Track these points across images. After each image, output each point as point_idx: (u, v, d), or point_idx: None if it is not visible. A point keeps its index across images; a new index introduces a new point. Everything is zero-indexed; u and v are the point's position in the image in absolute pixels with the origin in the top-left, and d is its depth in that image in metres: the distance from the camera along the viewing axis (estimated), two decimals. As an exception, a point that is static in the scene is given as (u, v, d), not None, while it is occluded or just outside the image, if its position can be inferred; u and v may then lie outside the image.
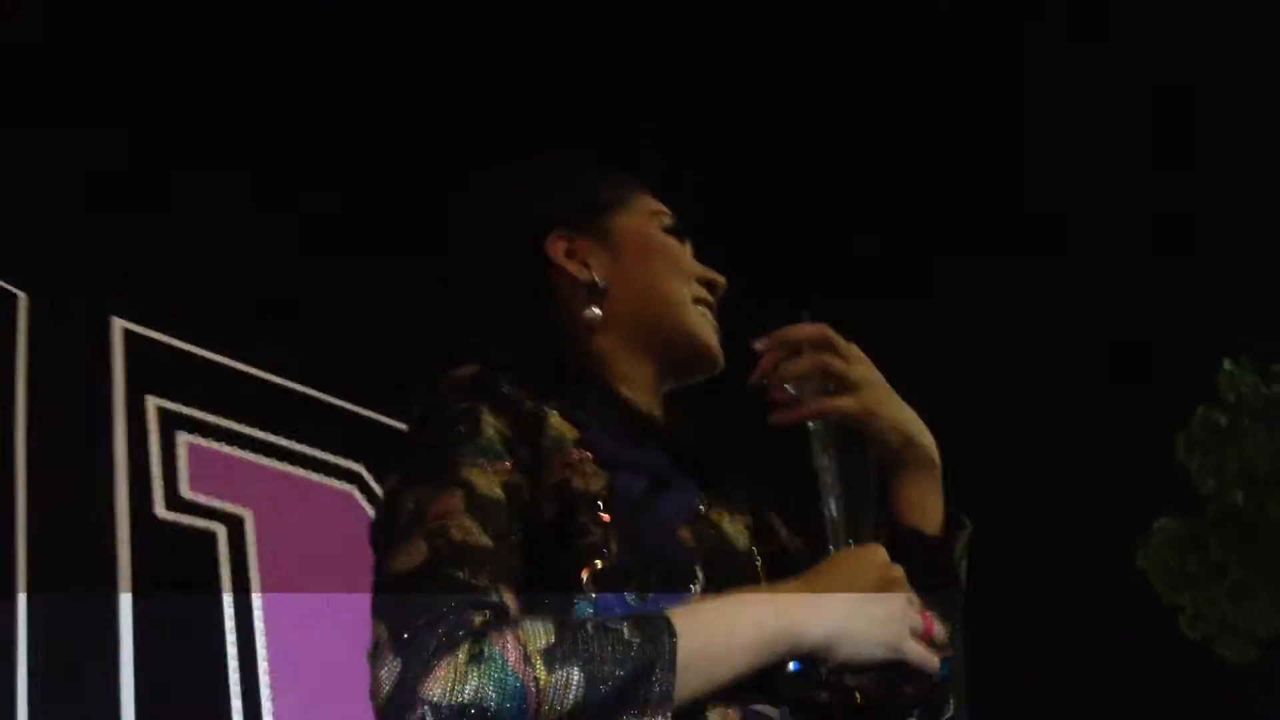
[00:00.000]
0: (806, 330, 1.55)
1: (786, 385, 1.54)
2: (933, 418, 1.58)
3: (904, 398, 1.58)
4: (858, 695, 1.32)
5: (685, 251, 1.73)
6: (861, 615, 1.32)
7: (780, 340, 1.56)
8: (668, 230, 1.72)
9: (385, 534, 1.34)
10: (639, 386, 1.63)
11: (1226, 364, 11.98)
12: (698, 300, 1.69)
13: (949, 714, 1.49)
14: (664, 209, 1.75)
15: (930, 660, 1.35)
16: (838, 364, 1.52)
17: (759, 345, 1.56)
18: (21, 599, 5.07)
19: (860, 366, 1.54)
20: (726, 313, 1.74)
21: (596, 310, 1.63)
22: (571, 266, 1.66)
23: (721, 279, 1.73)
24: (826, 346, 1.54)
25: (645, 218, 1.72)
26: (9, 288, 5.85)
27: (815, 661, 1.31)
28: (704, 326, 1.68)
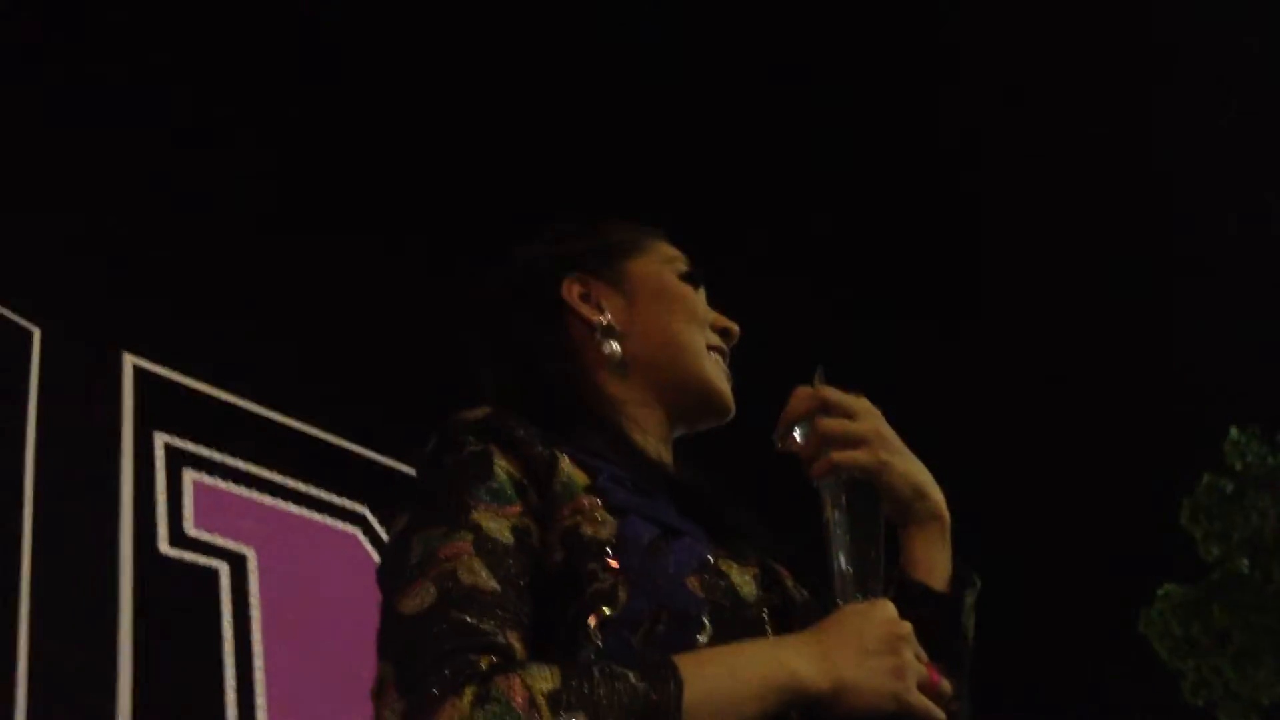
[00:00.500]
0: (802, 404, 1.56)
1: (797, 438, 1.55)
2: (939, 478, 1.59)
3: (913, 453, 1.58)
4: None
5: (700, 298, 1.74)
6: (867, 668, 1.32)
7: (798, 421, 1.56)
8: (683, 277, 1.73)
9: (393, 574, 1.34)
10: (650, 432, 1.64)
11: (1233, 432, 11.99)
12: (711, 347, 1.70)
13: None
14: (680, 255, 1.77)
15: (935, 712, 1.34)
16: (836, 425, 1.53)
17: (781, 446, 1.57)
18: (24, 629, 5.07)
19: (869, 420, 1.54)
20: (738, 362, 1.75)
21: (616, 347, 1.65)
22: (586, 310, 1.68)
23: (736, 327, 1.75)
24: (829, 410, 1.55)
25: (661, 264, 1.74)
26: (23, 323, 5.87)
27: (820, 713, 1.31)
28: (717, 373, 1.69)
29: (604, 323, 1.66)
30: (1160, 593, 12.05)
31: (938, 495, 1.58)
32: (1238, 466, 11.95)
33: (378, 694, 1.24)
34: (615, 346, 1.65)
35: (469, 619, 1.25)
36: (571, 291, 1.69)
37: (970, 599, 1.57)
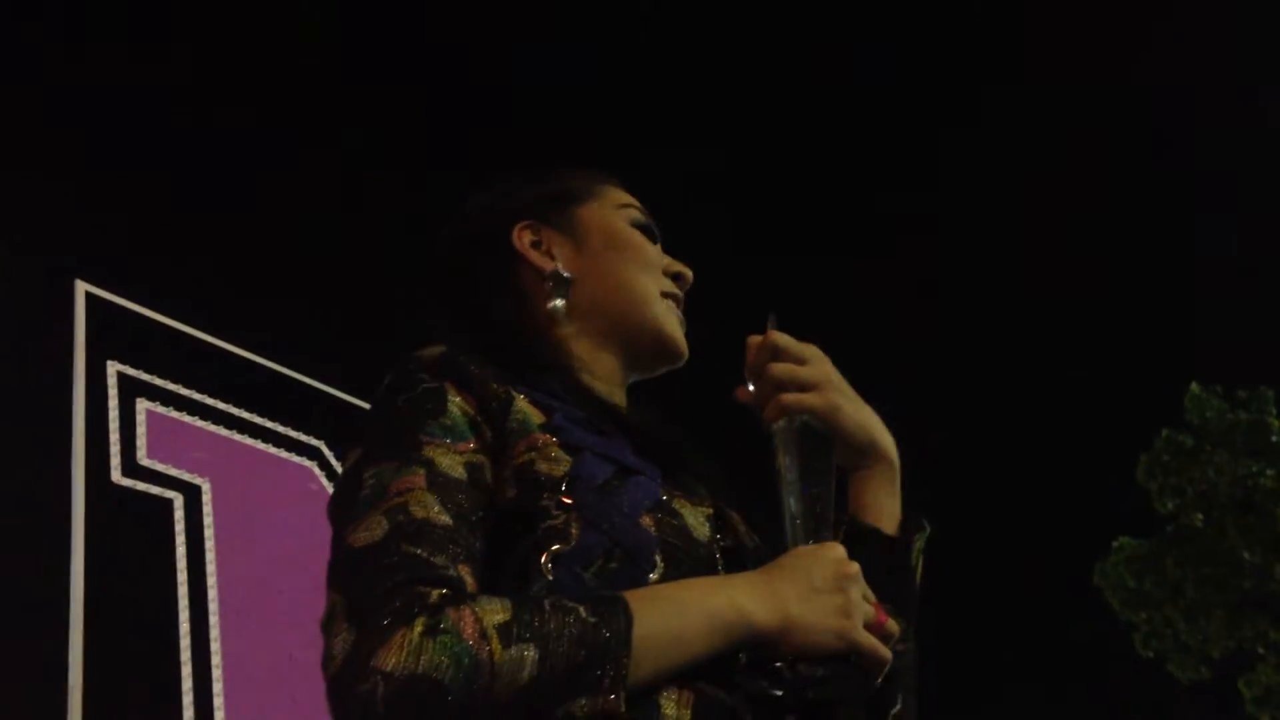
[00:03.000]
0: (756, 353, 1.56)
1: (751, 387, 1.56)
2: (895, 428, 1.59)
3: (863, 399, 1.58)
4: (808, 685, 1.32)
5: (653, 247, 1.74)
6: (813, 605, 1.33)
7: (750, 369, 1.57)
8: (636, 223, 1.74)
9: (345, 508, 1.34)
10: (602, 377, 1.65)
11: (1194, 387, 12.10)
12: (664, 294, 1.71)
13: (897, 708, 1.49)
14: (633, 201, 1.77)
15: (881, 650, 1.35)
16: (786, 370, 1.54)
17: (742, 396, 1.58)
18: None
19: (819, 365, 1.55)
20: (692, 308, 1.74)
21: (560, 302, 1.65)
22: (535, 257, 1.69)
23: (688, 271, 1.76)
24: (779, 355, 1.55)
25: (612, 210, 1.74)
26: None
27: (768, 650, 1.32)
28: (669, 319, 1.70)
29: (552, 270, 1.67)
30: (1115, 545, 12.19)
31: (888, 440, 1.60)
32: (1196, 422, 12.06)
33: (327, 625, 1.25)
34: (559, 303, 1.65)
35: (420, 552, 1.26)
36: (522, 239, 1.70)
37: (919, 543, 1.59)
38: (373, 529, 1.28)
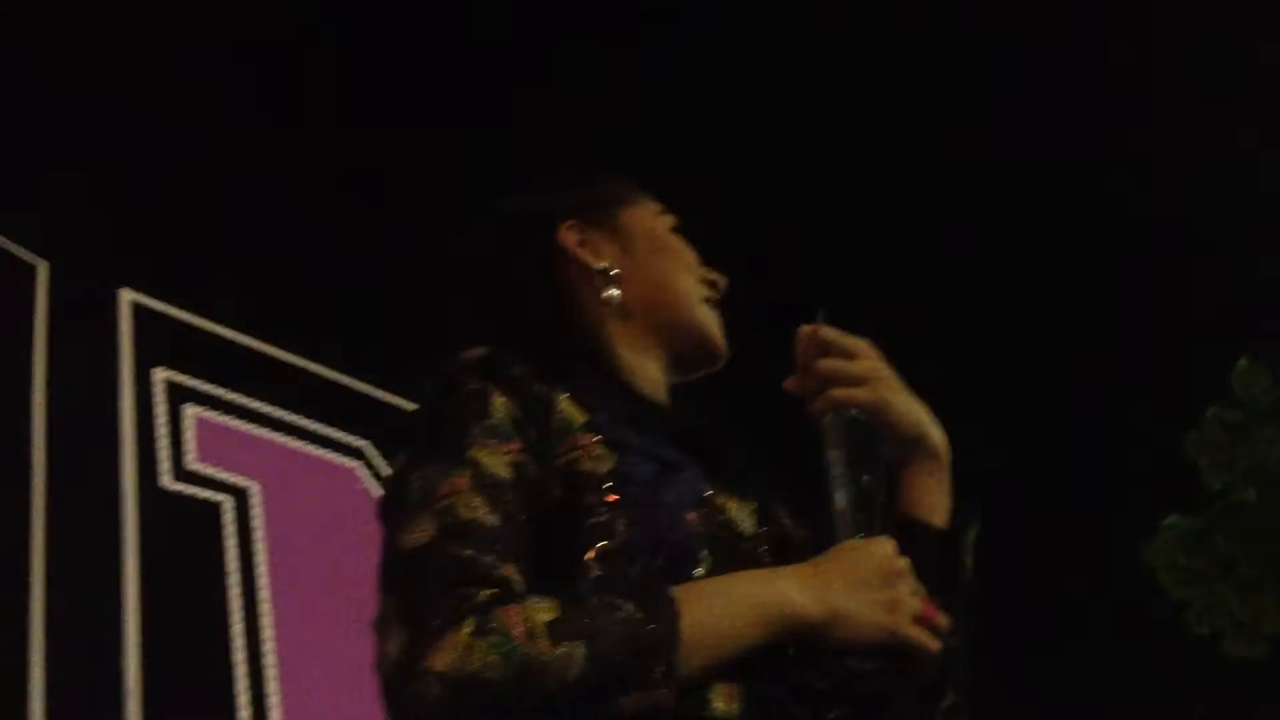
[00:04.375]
0: (805, 346, 1.56)
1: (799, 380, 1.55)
2: (940, 413, 1.59)
3: (912, 392, 1.58)
4: (856, 679, 1.33)
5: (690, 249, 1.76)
6: (861, 599, 1.33)
7: (800, 361, 1.56)
8: (675, 229, 1.76)
9: (394, 510, 1.36)
10: (645, 378, 1.65)
11: (1243, 361, 11.96)
12: (704, 299, 1.71)
13: (948, 703, 1.49)
14: (666, 212, 1.78)
15: (929, 645, 1.35)
16: (835, 365, 1.53)
17: (791, 388, 1.57)
18: (37, 566, 5.11)
19: (868, 360, 1.54)
20: (735, 310, 1.75)
21: (615, 292, 1.66)
22: (584, 255, 1.68)
23: (723, 279, 1.76)
24: (829, 350, 1.54)
25: (653, 215, 1.76)
26: (28, 257, 5.88)
27: (816, 644, 1.32)
28: (711, 320, 1.71)
29: (601, 267, 1.67)
30: (1165, 523, 12.08)
31: (938, 434, 1.58)
32: (1245, 397, 11.93)
33: (379, 626, 1.27)
34: (615, 291, 1.66)
35: (468, 553, 1.27)
36: (569, 238, 1.70)
37: (970, 537, 1.58)
38: (421, 531, 1.29)
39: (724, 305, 1.76)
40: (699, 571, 1.35)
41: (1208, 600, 11.80)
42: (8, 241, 5.88)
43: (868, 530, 1.42)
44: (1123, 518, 12.46)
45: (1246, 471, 11.85)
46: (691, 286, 1.70)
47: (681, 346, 1.69)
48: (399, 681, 1.20)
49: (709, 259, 1.77)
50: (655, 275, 1.69)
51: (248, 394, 6.27)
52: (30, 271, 5.87)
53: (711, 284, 1.74)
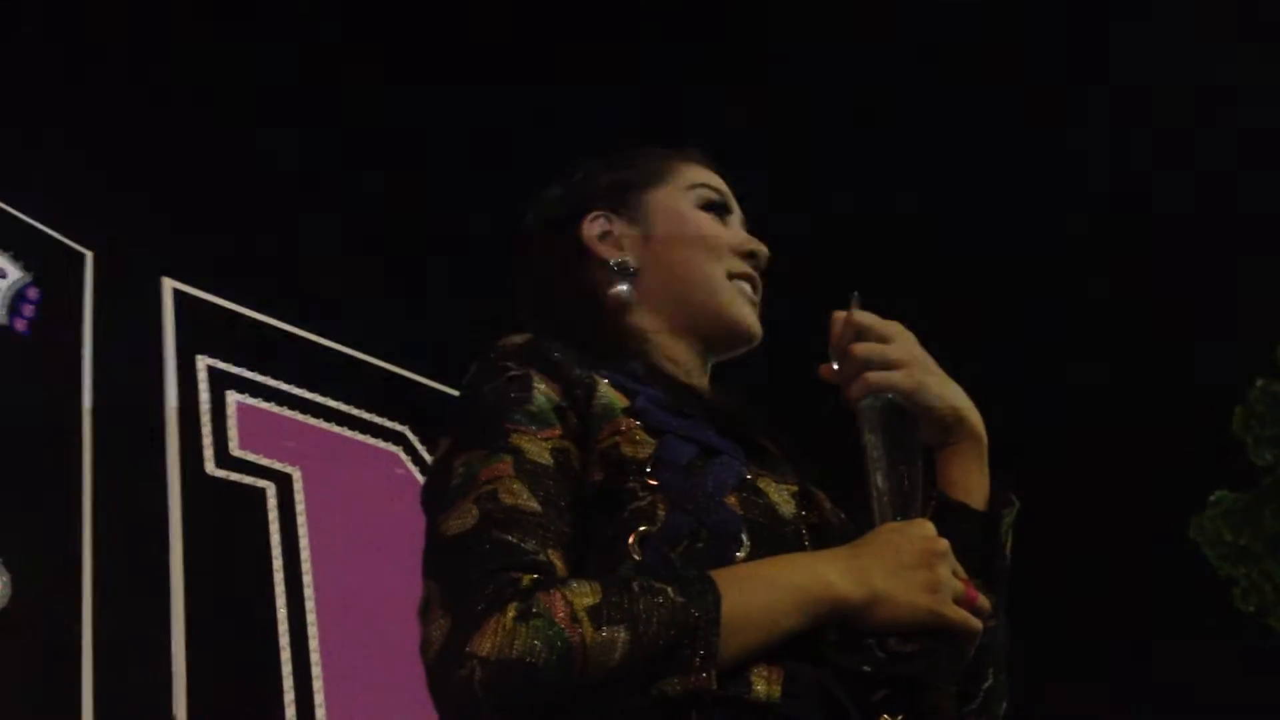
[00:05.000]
0: (840, 331, 1.54)
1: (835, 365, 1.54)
2: (979, 394, 1.58)
3: (954, 374, 1.57)
4: (898, 661, 1.33)
5: (727, 223, 1.74)
6: (901, 581, 1.33)
7: (834, 347, 1.55)
8: (708, 203, 1.73)
9: (437, 497, 1.37)
10: (681, 361, 1.66)
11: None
12: (737, 275, 1.70)
13: (989, 684, 1.49)
14: (707, 179, 1.76)
15: (971, 625, 1.35)
16: (870, 349, 1.52)
17: (825, 374, 1.56)
18: (86, 555, 5.16)
19: (904, 343, 1.53)
20: (775, 286, 1.74)
21: (624, 288, 1.66)
22: (601, 248, 1.70)
23: (763, 248, 1.74)
24: (864, 335, 1.53)
25: (681, 193, 1.74)
26: (76, 246, 5.92)
27: (857, 626, 1.32)
28: (736, 303, 1.69)
29: (616, 262, 1.68)
30: (1211, 499, 12.00)
31: (975, 416, 1.57)
32: (1292, 371, 11.83)
33: (424, 612, 1.28)
34: (624, 287, 1.66)
35: (511, 538, 1.28)
36: (591, 230, 1.71)
37: (1008, 518, 1.57)
38: (464, 517, 1.31)
39: (765, 276, 1.74)
40: (740, 555, 1.35)
41: (1254, 577, 11.72)
42: (55, 232, 5.92)
43: (907, 513, 1.41)
44: (1170, 493, 12.38)
45: (1295, 446, 11.75)
46: (715, 269, 1.68)
47: (709, 332, 1.69)
48: (443, 666, 1.22)
49: (753, 227, 1.76)
50: (676, 260, 1.68)
51: (289, 381, 6.30)
52: (79, 260, 5.91)
53: (749, 256, 1.73)
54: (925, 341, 1.55)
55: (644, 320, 1.66)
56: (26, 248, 5.68)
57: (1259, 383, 11.86)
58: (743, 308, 1.70)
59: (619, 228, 1.71)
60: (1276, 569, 11.61)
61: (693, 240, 1.70)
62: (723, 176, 1.79)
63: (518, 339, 1.49)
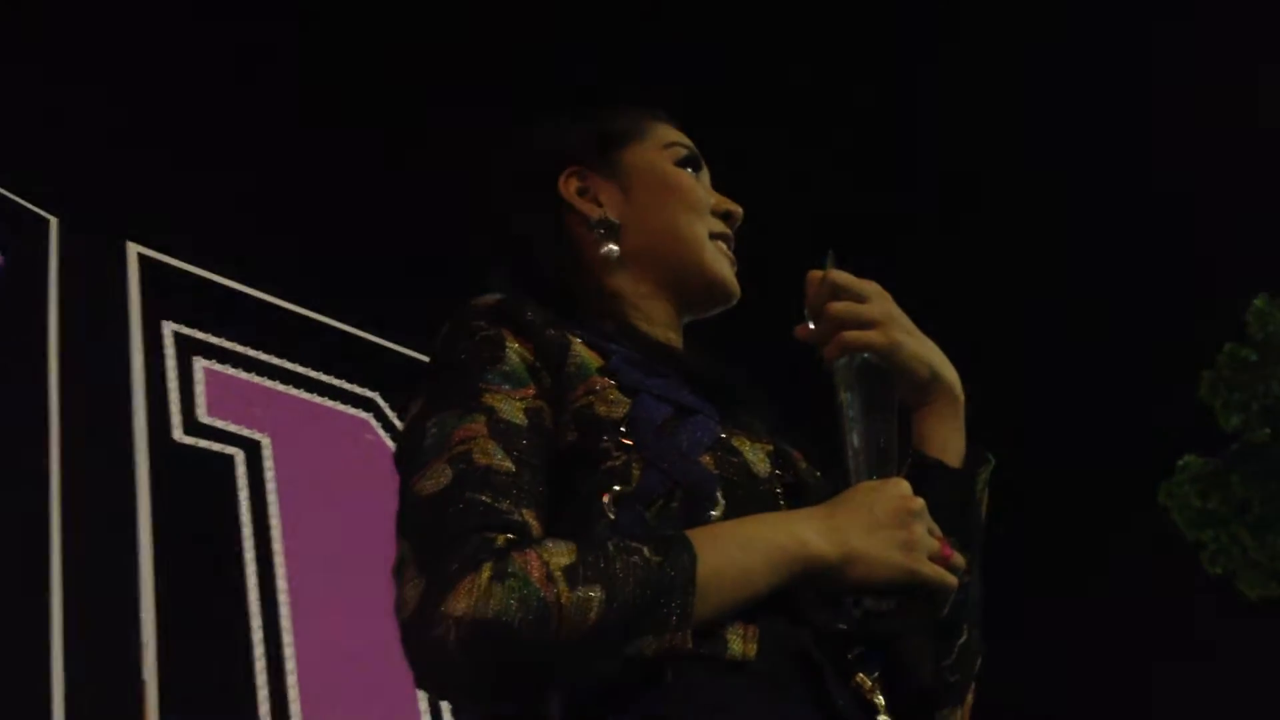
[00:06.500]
0: (815, 290, 1.53)
1: (811, 325, 1.53)
2: (951, 354, 1.57)
3: (928, 334, 1.57)
4: (873, 618, 1.34)
5: (700, 183, 1.72)
6: (877, 539, 1.33)
7: (810, 306, 1.54)
8: (683, 161, 1.71)
9: (410, 457, 1.36)
10: (657, 320, 1.64)
11: (1259, 300, 11.90)
12: (714, 234, 1.69)
13: (963, 640, 1.49)
14: (680, 138, 1.74)
15: (947, 582, 1.35)
16: (846, 308, 1.51)
17: (802, 333, 1.55)
18: (55, 521, 5.14)
19: (880, 302, 1.52)
20: (747, 245, 1.73)
21: (613, 247, 1.64)
22: (582, 205, 1.67)
23: (738, 209, 1.74)
24: (839, 294, 1.52)
25: (658, 151, 1.72)
26: (40, 212, 5.88)
27: (832, 584, 1.33)
28: (719, 261, 1.68)
29: (599, 219, 1.66)
30: (1180, 464, 12.07)
31: (951, 374, 1.57)
32: (1260, 336, 11.88)
33: (397, 572, 1.28)
34: (612, 245, 1.64)
35: (485, 498, 1.28)
36: (569, 186, 1.69)
37: (984, 476, 1.57)
38: (438, 477, 1.30)
39: (739, 236, 1.73)
40: (714, 514, 1.35)
41: (1223, 541, 11.82)
42: (18, 199, 5.87)
43: (883, 471, 1.41)
44: (1139, 459, 12.46)
45: (1261, 411, 11.83)
46: (695, 227, 1.67)
47: (689, 290, 1.68)
48: (418, 627, 1.21)
49: (726, 188, 1.75)
50: (658, 220, 1.66)
51: (257, 347, 6.28)
52: (43, 226, 5.87)
53: (725, 216, 1.72)
54: (900, 300, 1.54)
55: (623, 278, 1.64)
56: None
57: (1227, 347, 11.91)
58: (724, 266, 1.69)
59: (597, 184, 1.68)
60: (1244, 532, 11.71)
61: (675, 198, 1.68)
62: (692, 136, 1.77)
63: (490, 299, 1.48)
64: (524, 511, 1.29)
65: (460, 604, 1.18)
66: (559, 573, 1.19)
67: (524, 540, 1.24)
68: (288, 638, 5.65)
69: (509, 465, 1.31)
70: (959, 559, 1.38)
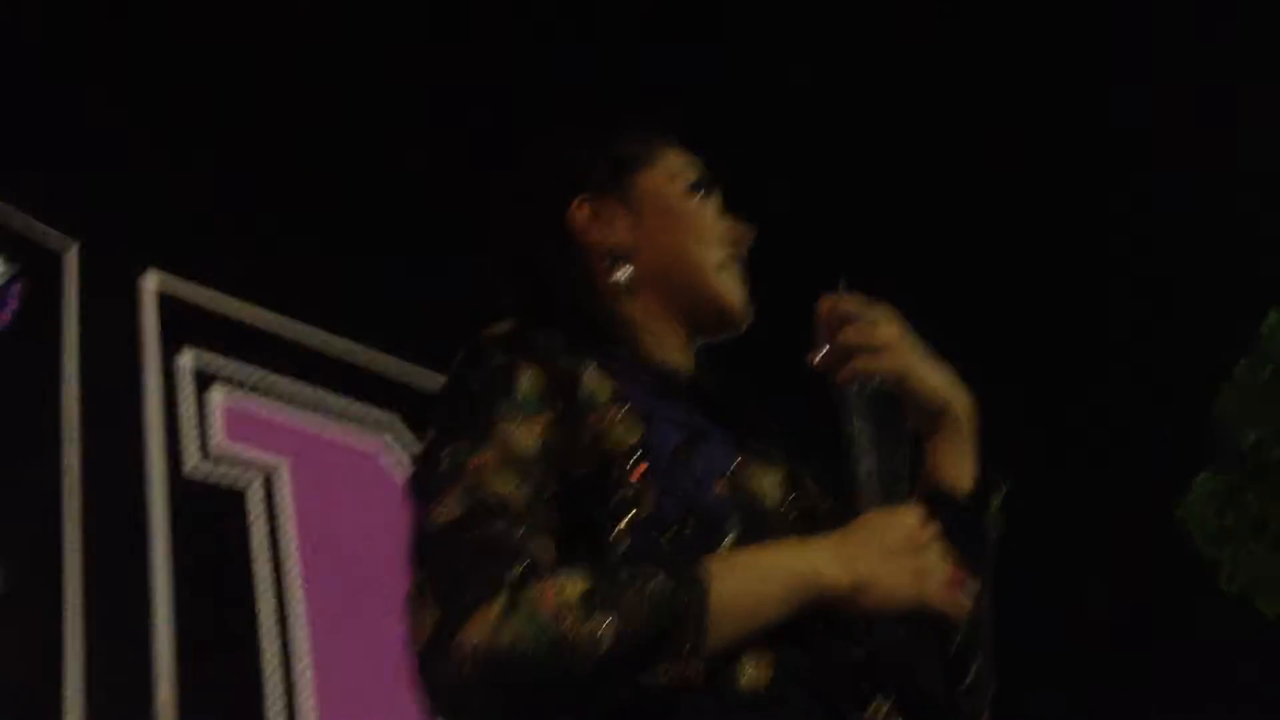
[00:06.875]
0: (827, 316, 1.53)
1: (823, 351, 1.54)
2: (968, 376, 1.57)
3: (940, 350, 1.57)
4: (886, 646, 1.34)
5: (711, 206, 1.72)
6: (889, 567, 1.33)
7: (822, 331, 1.54)
8: (694, 186, 1.71)
9: (424, 487, 1.36)
10: (670, 346, 1.64)
11: (1274, 315, 11.85)
12: (725, 259, 1.68)
13: (977, 666, 1.49)
14: (690, 164, 1.73)
15: (958, 610, 1.35)
16: (857, 334, 1.51)
17: (813, 360, 1.55)
18: (70, 549, 5.15)
19: (891, 328, 1.52)
20: (761, 269, 1.73)
21: (624, 275, 1.63)
22: (594, 232, 1.66)
23: (749, 232, 1.73)
24: (850, 319, 1.52)
25: (668, 178, 1.71)
26: (58, 241, 5.91)
27: (845, 612, 1.33)
28: (729, 287, 1.67)
29: (610, 245, 1.65)
30: (1196, 481, 12.01)
31: (963, 399, 1.57)
32: (1276, 351, 11.83)
33: (411, 603, 1.28)
34: (624, 272, 1.63)
35: (498, 528, 1.28)
36: (580, 213, 1.67)
37: (996, 501, 1.57)
38: (451, 507, 1.30)
39: (752, 259, 1.73)
40: (728, 541, 1.35)
41: (1239, 558, 11.74)
42: (36, 225, 5.90)
43: (894, 498, 1.42)
44: (1157, 475, 12.40)
45: (1278, 428, 11.76)
46: (707, 253, 1.66)
47: (701, 315, 1.67)
48: (432, 657, 1.22)
49: (738, 211, 1.74)
50: (669, 246, 1.65)
51: (274, 374, 6.29)
52: (58, 255, 5.89)
53: (737, 240, 1.71)
54: (914, 323, 1.54)
55: (634, 304, 1.63)
56: (9, 243, 5.67)
57: (1242, 364, 11.87)
58: (735, 291, 1.68)
59: (608, 210, 1.67)
60: (1261, 549, 11.64)
61: (685, 223, 1.67)
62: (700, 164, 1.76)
63: (502, 328, 1.48)
64: (537, 541, 1.29)
65: (474, 635, 1.19)
66: (572, 602, 1.20)
67: (537, 570, 1.24)
68: (303, 664, 5.66)
69: (522, 495, 1.31)
70: (971, 585, 1.39)
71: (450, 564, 1.26)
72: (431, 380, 6.64)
